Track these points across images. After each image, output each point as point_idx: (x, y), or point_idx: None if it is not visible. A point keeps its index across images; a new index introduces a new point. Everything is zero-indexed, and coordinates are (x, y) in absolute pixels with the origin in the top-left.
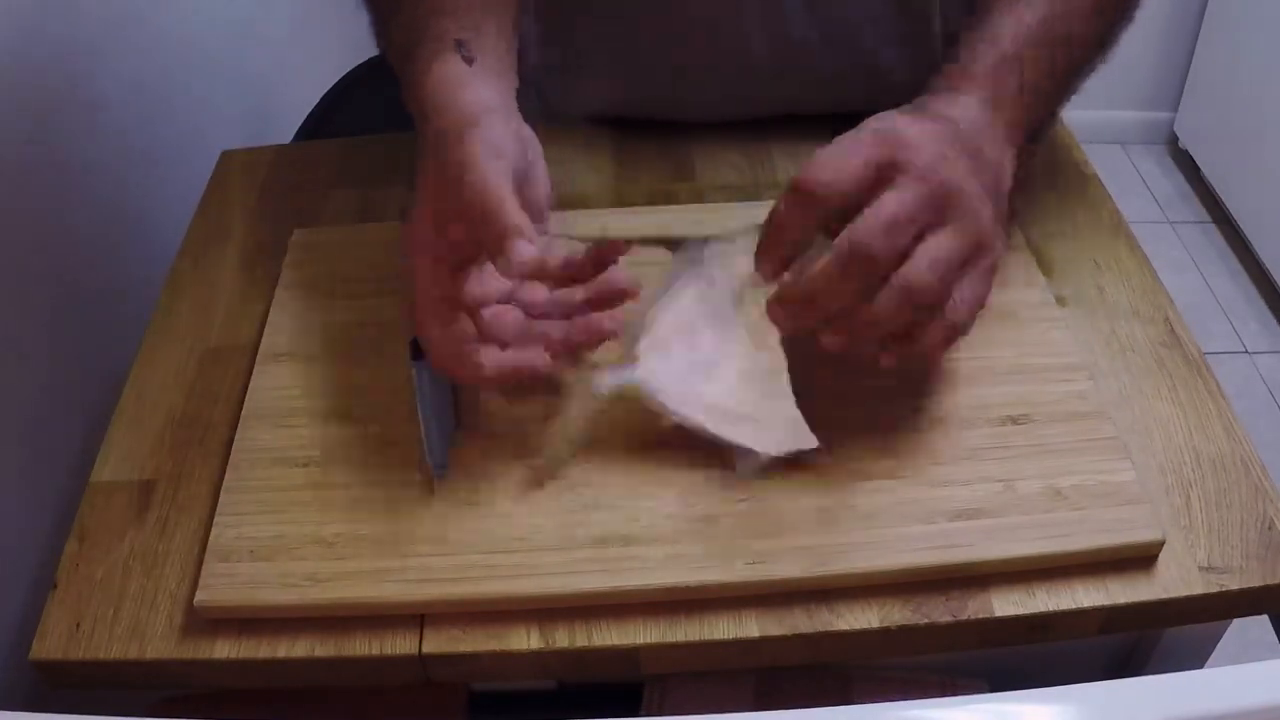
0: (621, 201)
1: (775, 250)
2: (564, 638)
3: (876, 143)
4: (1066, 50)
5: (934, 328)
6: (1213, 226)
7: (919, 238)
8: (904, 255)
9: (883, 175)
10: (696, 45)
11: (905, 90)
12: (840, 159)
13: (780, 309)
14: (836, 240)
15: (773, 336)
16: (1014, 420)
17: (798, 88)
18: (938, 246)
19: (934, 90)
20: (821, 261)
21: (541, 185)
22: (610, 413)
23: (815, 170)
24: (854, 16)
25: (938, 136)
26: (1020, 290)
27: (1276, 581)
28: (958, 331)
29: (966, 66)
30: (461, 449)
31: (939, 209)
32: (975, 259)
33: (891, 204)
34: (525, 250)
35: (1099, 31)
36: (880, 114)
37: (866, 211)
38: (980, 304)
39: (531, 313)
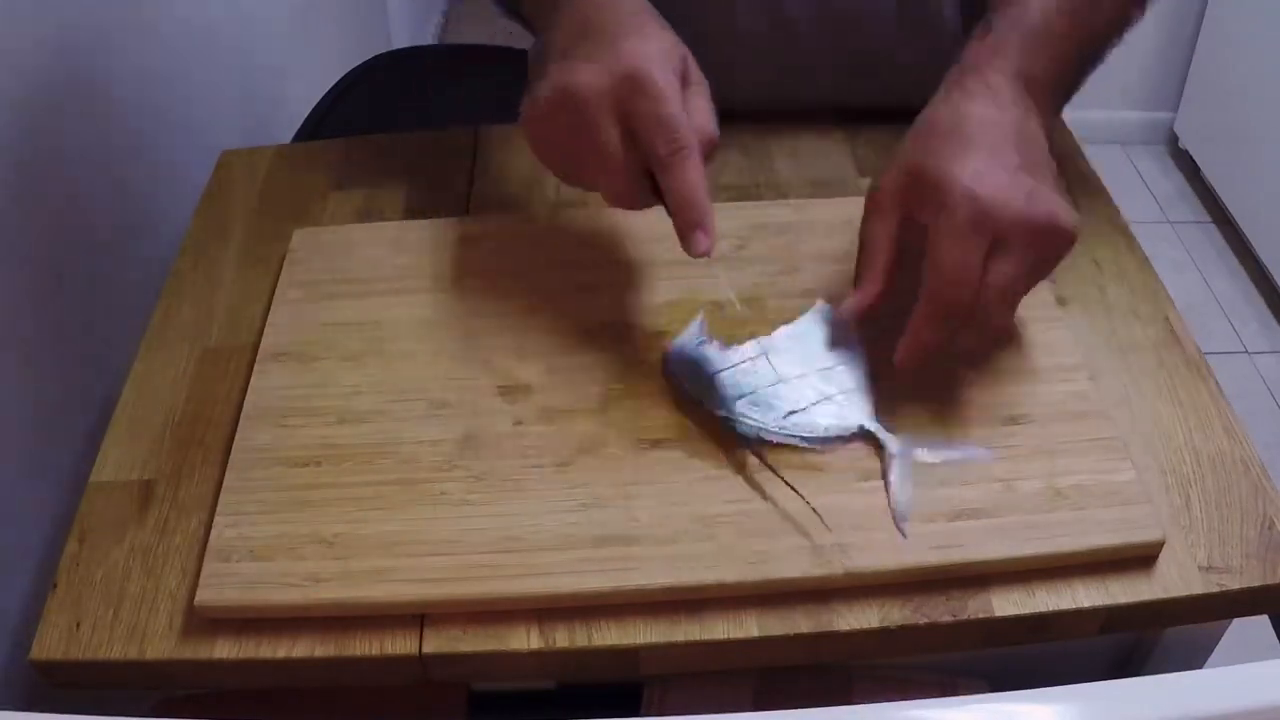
0: None
1: (875, 265)
2: (564, 638)
3: (975, 229)
4: (1096, 13)
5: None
6: (1212, 226)
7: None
8: (983, 272)
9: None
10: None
11: (911, 83)
12: (966, 266)
13: (917, 337)
14: (923, 292)
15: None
16: (1014, 420)
17: (798, 74)
18: (1003, 266)
19: (964, 71)
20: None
21: (704, 88)
22: (611, 413)
23: (954, 287)
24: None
25: (1007, 172)
26: None
27: (1276, 581)
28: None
29: (995, 44)
30: (466, 450)
31: (988, 227)
32: (1048, 240)
33: (948, 252)
34: (702, 244)
35: (1114, 7)
36: (940, 161)
37: (930, 269)
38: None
39: None
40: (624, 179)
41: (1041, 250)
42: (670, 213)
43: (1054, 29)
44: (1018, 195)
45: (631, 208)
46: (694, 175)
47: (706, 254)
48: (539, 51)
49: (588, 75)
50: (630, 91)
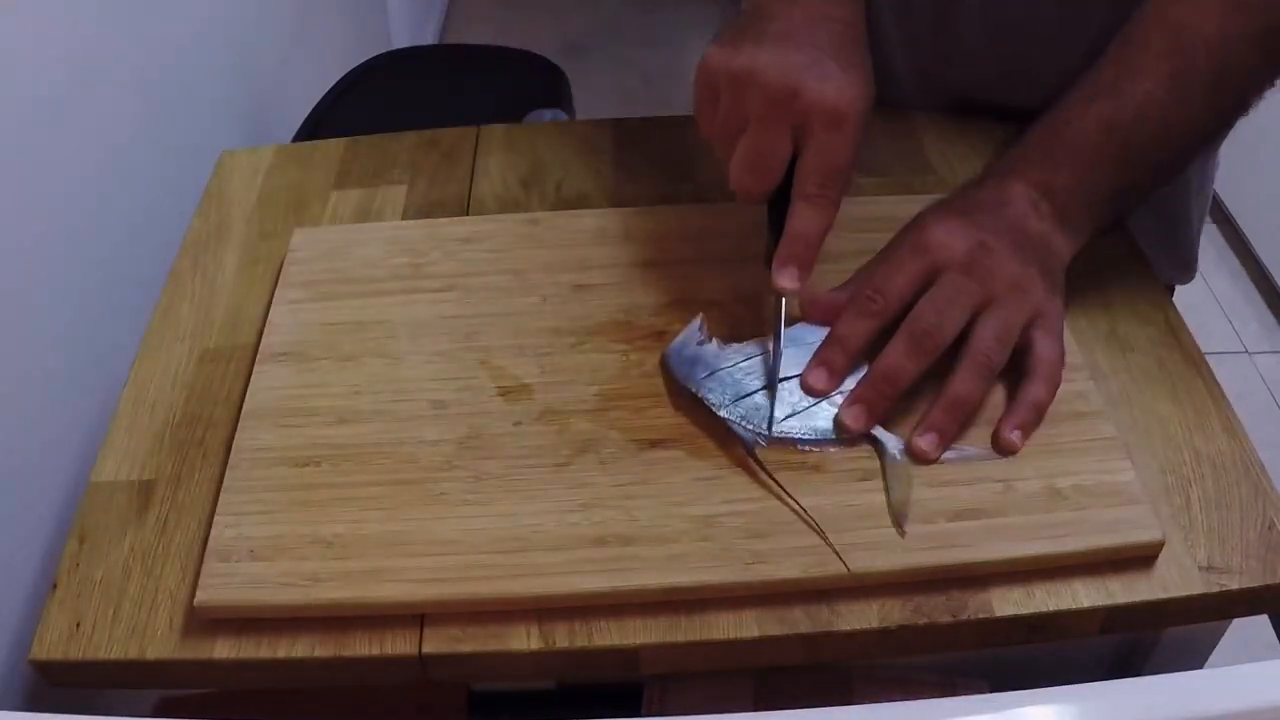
0: (621, 202)
1: (840, 362)
2: (564, 638)
3: (915, 253)
4: (1140, 139)
5: (1031, 389)
6: (1213, 226)
7: (975, 320)
8: (962, 335)
9: (929, 278)
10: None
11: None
12: (892, 277)
13: (860, 404)
14: (899, 330)
15: None
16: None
17: (953, 69)
18: (992, 318)
19: (991, 173)
20: (888, 346)
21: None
22: (610, 413)
23: (873, 289)
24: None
25: (969, 228)
26: None
27: (1276, 581)
28: (1052, 384)
29: (1022, 154)
30: (466, 451)
31: (984, 291)
32: (1034, 324)
33: (938, 292)
34: (789, 281)
35: (1182, 122)
36: (921, 214)
37: (920, 302)
38: (1059, 358)
39: None
40: (769, 182)
41: (985, 289)
42: (781, 237)
43: (1087, 143)
44: (967, 241)
45: (748, 200)
46: (825, 221)
47: (789, 292)
48: (757, 6)
49: (807, 81)
50: (826, 121)
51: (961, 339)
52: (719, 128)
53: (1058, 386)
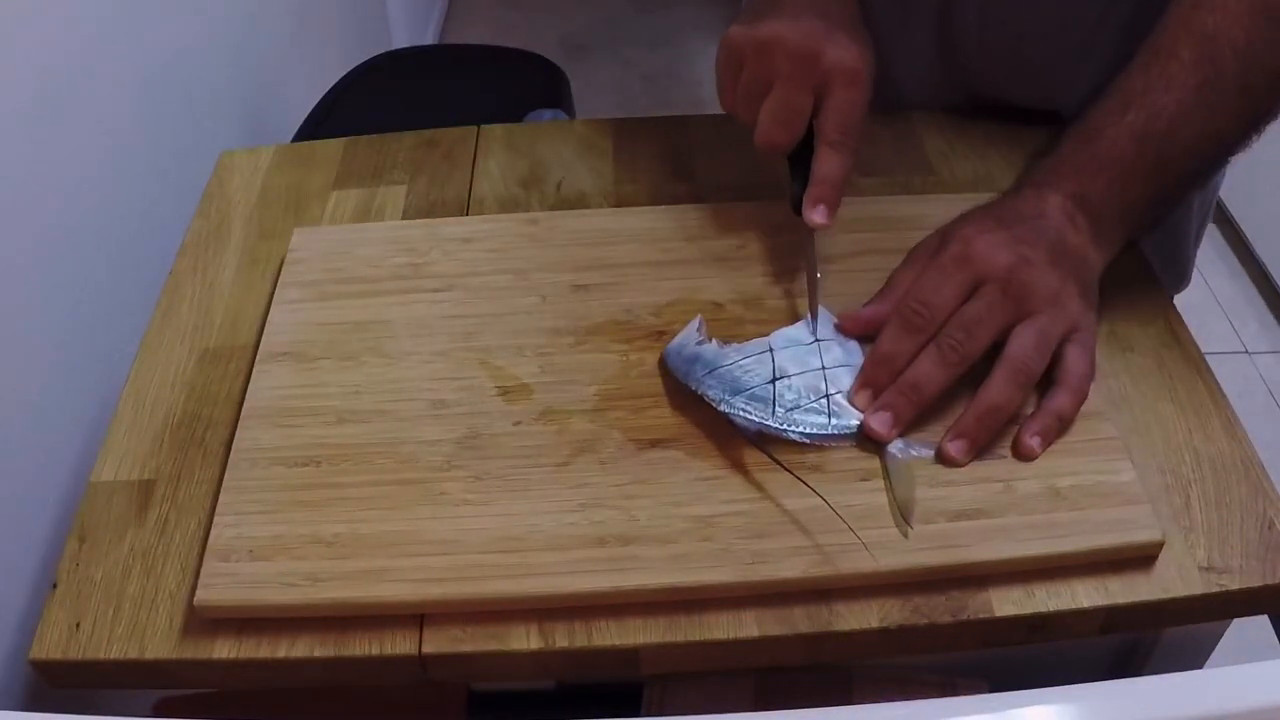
0: (621, 201)
1: (886, 381)
2: (564, 638)
3: (959, 266)
4: (1172, 149)
5: (1056, 398)
6: (1213, 226)
7: (1012, 329)
8: (999, 344)
9: (972, 290)
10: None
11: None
12: (937, 291)
13: (886, 411)
14: (932, 341)
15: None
16: (1014, 420)
17: (956, 74)
18: (1030, 328)
19: (1021, 185)
20: (919, 356)
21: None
22: (610, 413)
23: (919, 303)
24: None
25: (1011, 241)
26: None
27: (1276, 581)
28: (1078, 396)
29: (1056, 165)
30: (465, 450)
31: (1021, 304)
32: (1070, 337)
33: (974, 307)
34: (820, 218)
35: (1214, 131)
36: (960, 223)
37: (955, 316)
38: (1088, 372)
39: None
40: (793, 134)
41: (1022, 305)
42: (808, 181)
43: (1121, 154)
44: (1010, 255)
45: (772, 152)
46: (847, 164)
47: (821, 227)
48: None
49: (825, 46)
50: (844, 79)
51: (998, 347)
52: (743, 92)
53: (1083, 401)
